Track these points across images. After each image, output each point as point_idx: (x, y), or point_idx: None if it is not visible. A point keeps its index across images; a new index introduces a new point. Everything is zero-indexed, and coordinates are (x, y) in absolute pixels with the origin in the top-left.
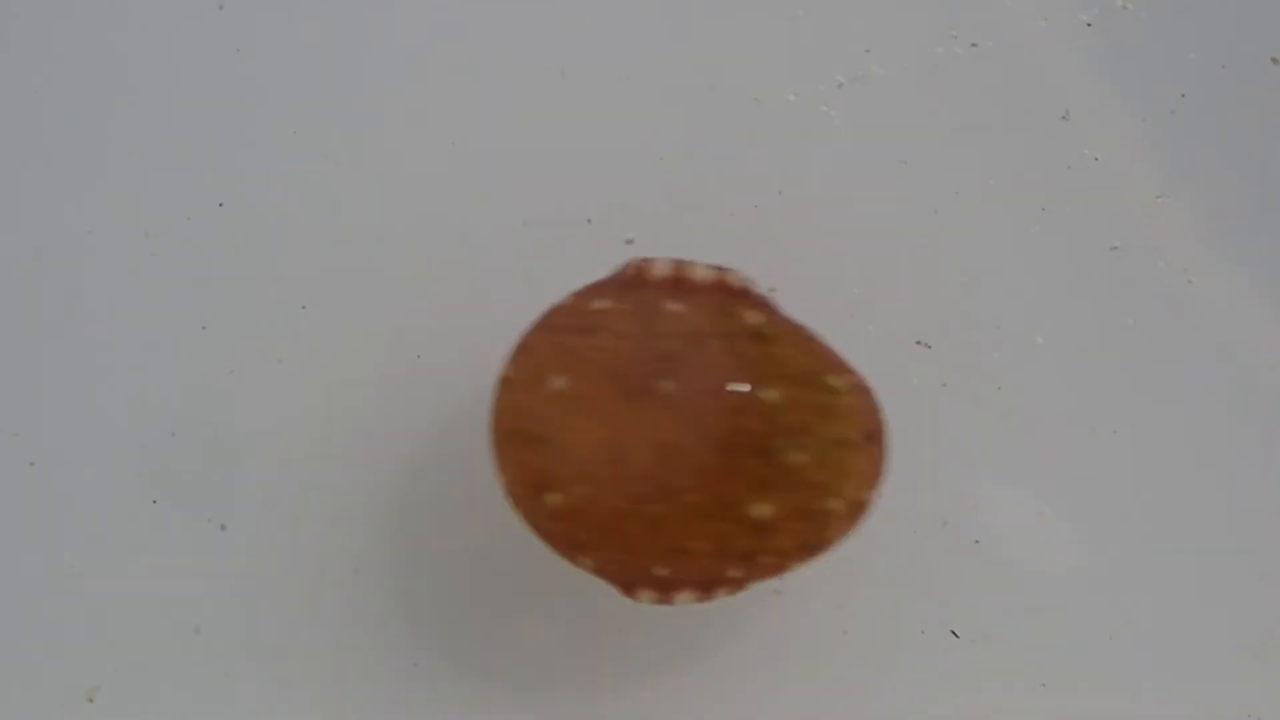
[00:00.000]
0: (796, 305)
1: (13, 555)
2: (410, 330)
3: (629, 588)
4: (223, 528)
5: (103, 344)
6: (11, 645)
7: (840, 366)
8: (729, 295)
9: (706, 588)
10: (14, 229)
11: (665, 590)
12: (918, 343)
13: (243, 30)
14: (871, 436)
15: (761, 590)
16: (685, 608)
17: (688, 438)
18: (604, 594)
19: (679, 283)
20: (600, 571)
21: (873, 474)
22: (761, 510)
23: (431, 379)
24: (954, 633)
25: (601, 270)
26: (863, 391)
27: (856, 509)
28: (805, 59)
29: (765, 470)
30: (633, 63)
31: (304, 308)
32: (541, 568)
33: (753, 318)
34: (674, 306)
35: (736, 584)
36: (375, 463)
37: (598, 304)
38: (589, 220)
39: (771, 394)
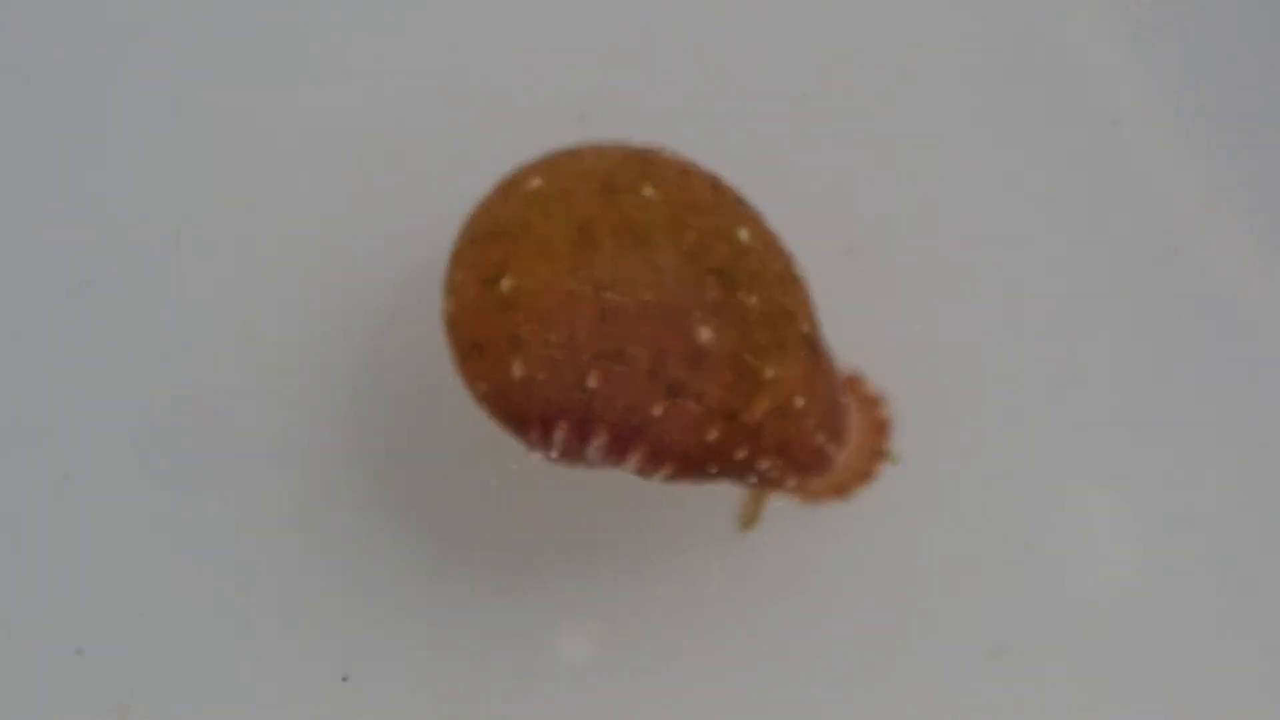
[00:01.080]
0: (839, 313)
1: None
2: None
3: (546, 423)
4: None
5: None
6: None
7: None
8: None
9: (622, 438)
10: None
11: (581, 432)
12: (953, 343)
13: None
14: (812, 344)
15: (792, 596)
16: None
17: (659, 235)
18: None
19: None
20: (526, 382)
21: (804, 383)
22: (704, 333)
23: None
24: (996, 648)
25: None
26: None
27: (783, 410)
28: (852, 62)
29: (719, 293)
30: (672, 58)
31: None
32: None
33: (737, 191)
34: (662, 153)
35: (654, 452)
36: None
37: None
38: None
39: (744, 232)
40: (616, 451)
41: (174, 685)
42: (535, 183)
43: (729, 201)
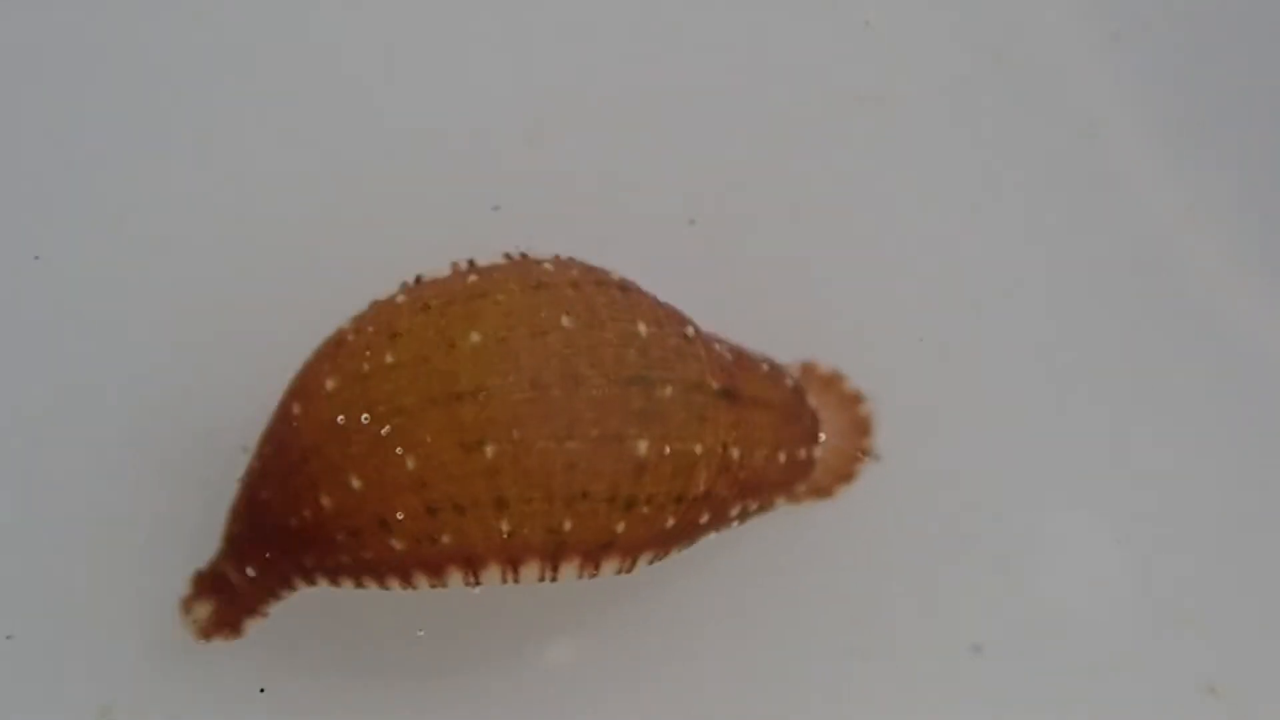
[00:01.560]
0: (818, 315)
1: None
2: None
3: (514, 562)
4: None
5: None
6: None
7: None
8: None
9: (592, 556)
10: None
11: (553, 564)
12: (934, 348)
13: None
14: (730, 393)
15: (774, 596)
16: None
17: (586, 367)
18: None
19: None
20: (512, 534)
21: (734, 430)
22: (641, 447)
23: None
24: (976, 648)
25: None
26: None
27: (723, 463)
28: (828, 73)
29: (642, 401)
30: (655, 66)
31: None
32: None
33: (615, 275)
34: (546, 264)
35: (624, 553)
36: None
37: (472, 275)
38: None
39: (642, 326)
40: (589, 567)
41: (154, 687)
42: (475, 338)
43: (619, 299)
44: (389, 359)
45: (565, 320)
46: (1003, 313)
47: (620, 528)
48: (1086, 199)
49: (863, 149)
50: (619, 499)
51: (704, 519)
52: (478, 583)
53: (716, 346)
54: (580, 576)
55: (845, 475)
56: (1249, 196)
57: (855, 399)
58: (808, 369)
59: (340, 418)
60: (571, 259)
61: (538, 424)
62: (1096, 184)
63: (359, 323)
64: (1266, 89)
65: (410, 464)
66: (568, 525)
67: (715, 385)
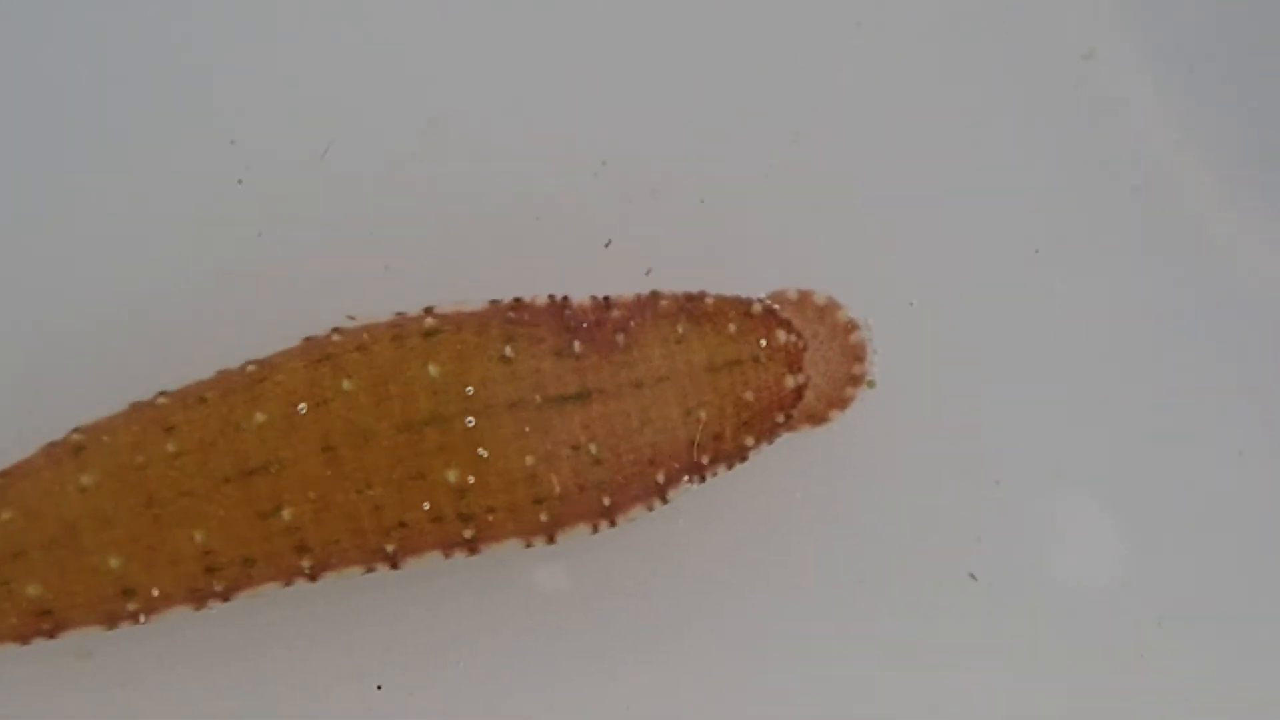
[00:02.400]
0: (816, 248)
1: None
2: None
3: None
4: None
5: None
6: None
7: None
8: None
9: (449, 551)
10: None
11: (387, 565)
12: (931, 278)
13: None
14: (584, 394)
15: (770, 523)
16: None
17: (373, 422)
18: None
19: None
20: (314, 569)
21: (586, 429)
22: (450, 475)
23: None
24: (972, 575)
25: None
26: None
27: (593, 458)
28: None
29: (441, 437)
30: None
31: None
32: None
33: (429, 321)
34: (335, 335)
35: (489, 542)
36: None
37: (250, 365)
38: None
39: (433, 368)
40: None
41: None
42: (260, 418)
43: (418, 346)
44: (170, 448)
45: (346, 384)
46: (996, 240)
47: (469, 533)
48: (1081, 126)
49: (863, 76)
50: (448, 517)
51: (639, 492)
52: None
53: (578, 346)
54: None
55: (838, 401)
56: (1243, 124)
57: (849, 327)
58: (803, 297)
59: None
60: (401, 314)
61: (334, 482)
62: (1091, 111)
63: (116, 422)
64: (1262, 16)
65: (198, 537)
66: (390, 547)
67: (553, 394)
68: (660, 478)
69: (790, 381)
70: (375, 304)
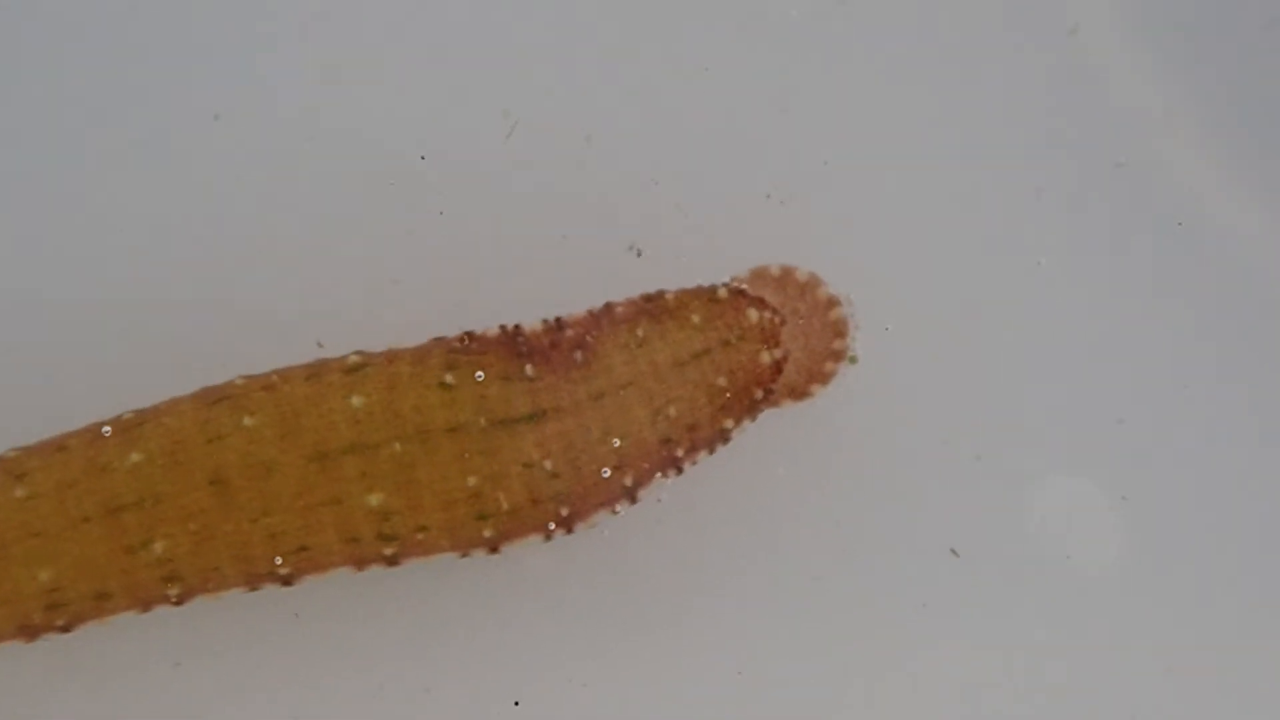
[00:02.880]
0: (802, 223)
1: None
2: None
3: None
4: None
5: None
6: None
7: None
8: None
9: (363, 564)
10: None
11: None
12: (916, 252)
13: None
14: (539, 415)
15: (754, 499)
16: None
17: (278, 454)
18: None
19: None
20: (181, 597)
21: (539, 446)
22: (372, 500)
23: None
24: (953, 551)
25: None
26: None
27: (548, 472)
28: None
29: (364, 465)
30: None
31: None
32: None
33: (353, 359)
34: (237, 381)
35: (421, 554)
36: None
37: (127, 414)
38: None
39: (356, 399)
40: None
41: None
42: (135, 457)
43: (337, 381)
44: (19, 493)
45: (247, 420)
46: (982, 214)
47: (390, 551)
48: (1066, 101)
49: (846, 51)
50: (365, 538)
51: (609, 496)
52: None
53: (530, 369)
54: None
55: (820, 376)
56: (1229, 98)
57: (831, 303)
58: (784, 273)
59: None
60: (320, 360)
61: (220, 513)
62: (1076, 86)
63: None
64: None
65: (43, 576)
66: (285, 570)
67: (500, 416)
68: (628, 480)
69: (766, 357)
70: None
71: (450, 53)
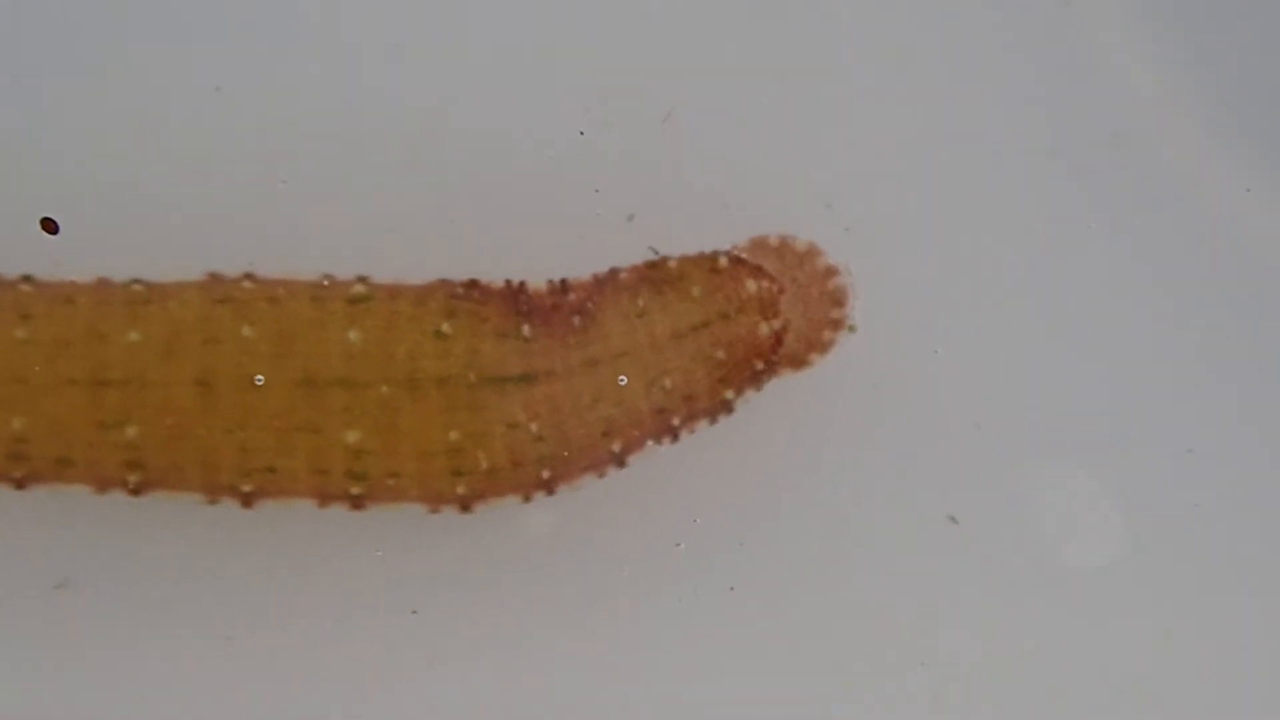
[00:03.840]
0: (794, 186)
1: None
2: None
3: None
4: None
5: None
6: None
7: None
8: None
9: (326, 499)
10: None
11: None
12: (914, 222)
13: None
14: (529, 377)
15: (752, 466)
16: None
17: (270, 371)
18: None
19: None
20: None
21: (528, 408)
22: (349, 436)
23: None
24: (952, 518)
25: None
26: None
27: (534, 434)
28: None
29: (348, 399)
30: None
31: None
32: None
33: (358, 288)
34: (245, 281)
35: (382, 501)
36: None
37: (137, 284)
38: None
39: (354, 335)
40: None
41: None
42: (133, 336)
43: (331, 309)
44: (19, 334)
45: (246, 330)
46: (977, 188)
47: (356, 490)
48: (1060, 73)
49: (845, 25)
50: (334, 472)
51: (595, 460)
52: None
53: (527, 329)
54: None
55: (818, 345)
56: (1223, 71)
57: (830, 272)
58: (783, 243)
59: None
60: (328, 276)
61: (198, 416)
62: (1070, 59)
63: None
64: None
65: (16, 424)
66: (247, 488)
67: (491, 374)
68: (616, 447)
69: (765, 329)
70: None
71: (472, 22)
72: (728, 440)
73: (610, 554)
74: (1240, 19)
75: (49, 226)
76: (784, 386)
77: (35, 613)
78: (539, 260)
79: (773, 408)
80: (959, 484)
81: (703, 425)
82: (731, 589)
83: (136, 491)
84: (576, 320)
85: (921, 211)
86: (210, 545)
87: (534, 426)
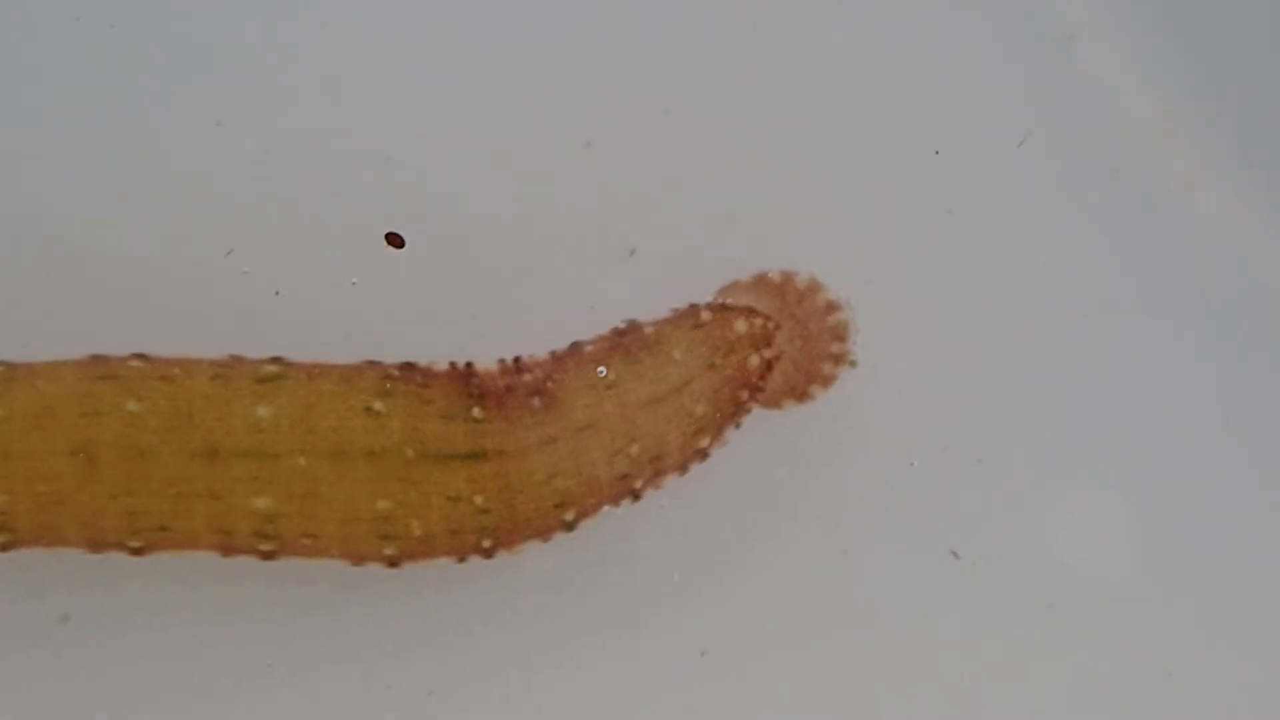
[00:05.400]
0: (797, 222)
1: None
2: None
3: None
4: None
5: None
6: None
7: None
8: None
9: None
10: None
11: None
12: (913, 254)
13: None
14: (477, 454)
15: (753, 498)
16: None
17: (158, 443)
18: None
19: None
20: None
21: (472, 483)
22: (258, 504)
23: None
24: (954, 553)
25: None
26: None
27: (479, 507)
28: None
29: (257, 469)
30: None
31: None
32: None
33: (269, 368)
34: (133, 362)
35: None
36: None
37: None
38: None
39: (263, 410)
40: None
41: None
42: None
43: (236, 386)
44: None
45: (131, 405)
46: (977, 221)
47: (266, 547)
48: (1062, 108)
49: (843, 55)
50: (240, 534)
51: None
52: None
53: (478, 411)
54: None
55: (820, 379)
56: (1223, 105)
57: (831, 307)
58: (785, 279)
59: None
60: (235, 357)
61: (78, 483)
62: (1073, 93)
63: None
64: None
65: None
66: (137, 544)
67: (433, 451)
68: (568, 516)
69: (756, 359)
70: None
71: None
72: (729, 473)
73: (607, 590)
74: (1244, 56)
75: (395, 241)
76: (785, 419)
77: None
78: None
79: (774, 440)
80: (961, 519)
81: (671, 479)
82: (731, 623)
83: (4, 548)
84: (535, 401)
85: (921, 246)
86: (211, 596)
87: (478, 499)
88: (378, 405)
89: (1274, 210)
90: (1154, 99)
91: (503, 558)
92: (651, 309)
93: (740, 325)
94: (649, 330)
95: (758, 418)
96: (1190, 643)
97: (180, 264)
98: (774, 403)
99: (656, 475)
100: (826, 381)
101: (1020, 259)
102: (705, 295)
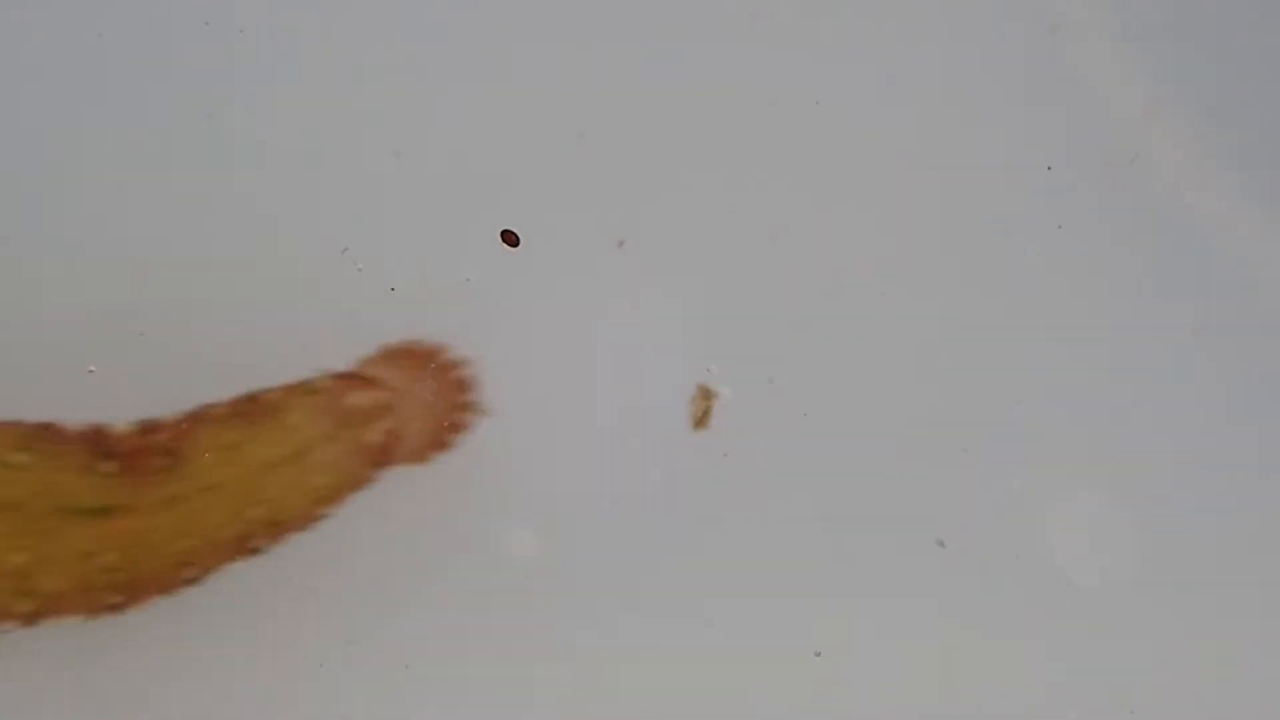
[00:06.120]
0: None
1: None
2: None
3: None
4: None
5: None
6: None
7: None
8: None
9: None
10: None
11: None
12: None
13: None
14: (107, 510)
15: (736, 505)
16: None
17: None
18: None
19: None
20: None
21: (102, 540)
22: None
23: None
24: (940, 542)
25: None
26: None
27: (108, 565)
28: None
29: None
30: None
31: None
32: None
33: None
34: None
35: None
36: None
37: None
38: None
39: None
40: None
41: None
42: None
43: None
44: None
45: None
46: (964, 215)
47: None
48: (1046, 100)
49: (828, 51)
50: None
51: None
52: None
53: (109, 466)
54: None
55: (453, 427)
56: (1210, 96)
57: (452, 366)
58: (407, 347)
59: None
60: None
61: None
62: (1057, 85)
63: None
64: None
65: None
66: None
67: (68, 505)
68: (192, 574)
69: (375, 437)
70: None
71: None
72: (717, 467)
73: (604, 583)
74: (1229, 48)
75: (510, 239)
76: (770, 408)
77: None
78: None
79: (756, 429)
80: (947, 508)
81: (292, 537)
82: (721, 613)
83: None
84: (165, 461)
85: (909, 235)
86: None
87: (109, 557)
88: (17, 458)
89: (1266, 204)
90: (1139, 90)
91: None
92: None
93: (356, 397)
94: (273, 395)
95: (742, 410)
96: (1175, 632)
97: None
98: (417, 459)
99: (278, 536)
100: (458, 429)
101: (1008, 251)
102: None
